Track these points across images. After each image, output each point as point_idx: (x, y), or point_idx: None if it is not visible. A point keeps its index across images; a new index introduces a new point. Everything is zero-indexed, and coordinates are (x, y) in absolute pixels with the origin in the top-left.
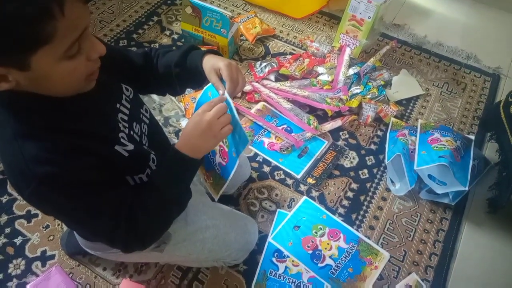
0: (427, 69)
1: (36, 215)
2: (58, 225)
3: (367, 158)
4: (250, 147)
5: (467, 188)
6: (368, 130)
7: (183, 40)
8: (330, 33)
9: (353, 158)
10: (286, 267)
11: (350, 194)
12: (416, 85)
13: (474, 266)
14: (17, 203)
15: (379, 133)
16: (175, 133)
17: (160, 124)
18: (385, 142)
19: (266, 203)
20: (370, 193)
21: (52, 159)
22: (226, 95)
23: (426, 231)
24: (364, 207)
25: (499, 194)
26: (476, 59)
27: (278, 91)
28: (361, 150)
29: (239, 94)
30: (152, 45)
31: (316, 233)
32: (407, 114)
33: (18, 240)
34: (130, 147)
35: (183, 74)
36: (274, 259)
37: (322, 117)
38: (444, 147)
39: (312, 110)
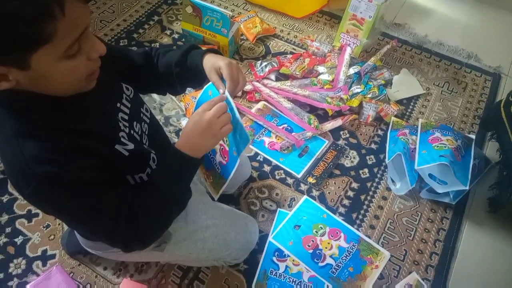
0: (428, 68)
1: (36, 215)
2: (59, 224)
3: (367, 157)
4: (251, 146)
5: (467, 188)
6: (369, 130)
7: (183, 40)
8: (330, 32)
9: (354, 158)
10: (286, 266)
11: (350, 193)
12: (416, 84)
13: (474, 266)
14: (18, 202)
15: (379, 132)
16: (175, 133)
17: (161, 123)
18: (385, 142)
19: (266, 203)
20: (370, 193)
21: (52, 159)
22: (227, 94)
23: (426, 230)
24: (364, 207)
25: (500, 194)
26: (477, 59)
27: (279, 90)
28: (361, 150)
29: (240, 94)
30: (152, 45)
31: (316, 232)
32: (407, 113)
33: (18, 240)
34: (131, 146)
35: (184, 74)
36: (274, 259)
37: (323, 116)
38: (445, 147)
39: (312, 110)
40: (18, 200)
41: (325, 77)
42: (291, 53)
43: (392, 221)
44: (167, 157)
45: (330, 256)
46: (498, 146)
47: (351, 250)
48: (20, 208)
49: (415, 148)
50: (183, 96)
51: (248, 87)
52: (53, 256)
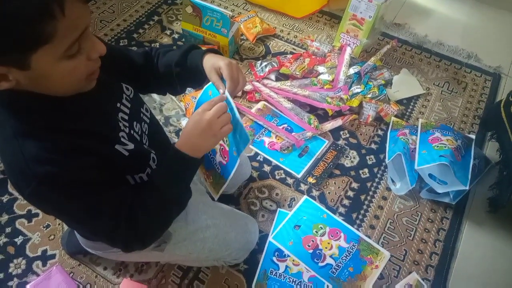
0: (428, 68)
1: (36, 215)
2: (59, 224)
3: (367, 157)
4: (251, 146)
5: (467, 188)
6: (369, 130)
7: (183, 40)
8: (330, 32)
9: (354, 158)
10: (286, 266)
11: (350, 193)
12: (416, 84)
13: (474, 266)
14: (18, 202)
15: (379, 132)
16: (175, 133)
17: (161, 123)
18: (385, 142)
19: (266, 203)
20: (370, 193)
21: (52, 159)
22: (227, 94)
23: (426, 230)
24: (364, 207)
25: (500, 194)
26: (477, 59)
27: (279, 90)
28: (361, 150)
29: (240, 94)
30: (152, 45)
31: (316, 232)
32: (407, 113)
33: (18, 240)
34: (131, 146)
35: (184, 74)
36: (274, 259)
37: (323, 116)
38: (445, 146)
39: (312, 110)
40: (18, 200)
41: (325, 77)
42: (291, 53)
43: (392, 221)
44: (167, 157)
45: (330, 256)
46: (498, 146)
47: (351, 250)
48: (20, 208)
49: (415, 148)
50: (183, 96)
51: (248, 87)
52: (53, 256)
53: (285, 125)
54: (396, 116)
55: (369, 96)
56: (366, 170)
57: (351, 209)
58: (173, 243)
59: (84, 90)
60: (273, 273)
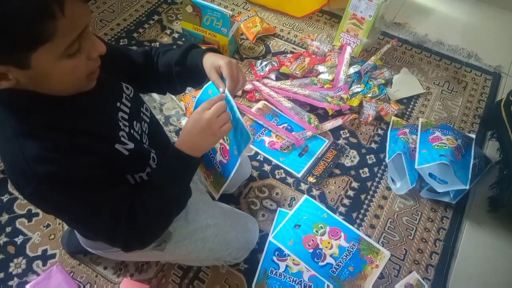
0: (428, 67)
1: (37, 214)
2: (59, 224)
3: (367, 157)
4: (251, 146)
5: (468, 187)
6: (369, 129)
7: (183, 39)
8: (330, 31)
9: (354, 157)
10: (286, 266)
11: (350, 193)
12: (416, 83)
13: (474, 265)
14: (18, 202)
15: (379, 131)
16: (175, 132)
17: (161, 123)
18: (385, 141)
19: (266, 202)
20: (371, 192)
21: (53, 158)
22: (227, 93)
23: (427, 229)
24: (364, 206)
25: (500, 193)
26: (477, 58)
27: (279, 90)
28: (361, 149)
29: (240, 93)
30: (152, 44)
31: (316, 232)
32: (407, 112)
33: (19, 239)
34: (131, 145)
35: (184, 73)
36: (274, 258)
37: (323, 116)
38: (445, 146)
39: (312, 109)
40: (18, 199)
41: (325, 76)
42: (291, 52)
43: (392, 220)
44: (167, 157)
45: (330, 256)
46: (498, 145)
47: (351, 250)
48: (20, 208)
49: (415, 147)
50: (183, 95)
51: (248, 86)
52: (53, 256)
53: (285, 125)
54: (396, 115)
55: (369, 95)
56: (366, 169)
57: (351, 209)
58: (173, 242)
59: (84, 89)
60: (273, 272)
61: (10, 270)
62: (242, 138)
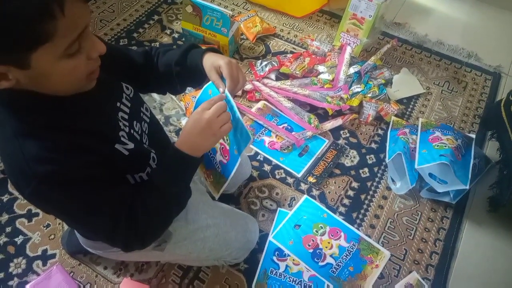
0: (428, 67)
1: (37, 214)
2: (59, 224)
3: (367, 157)
4: (251, 146)
5: (468, 187)
6: (369, 129)
7: (183, 39)
8: (330, 31)
9: (354, 157)
10: (286, 266)
11: (350, 192)
12: (416, 83)
13: (474, 265)
14: (18, 202)
15: (379, 132)
16: (175, 132)
17: (161, 123)
18: (385, 141)
19: (266, 202)
20: (371, 192)
21: (53, 158)
22: (227, 93)
23: (427, 229)
24: (364, 206)
25: (500, 193)
26: (477, 58)
27: (279, 90)
28: (361, 149)
29: (240, 93)
30: (152, 44)
31: (316, 232)
32: (407, 112)
33: (19, 239)
34: (131, 145)
35: (184, 73)
36: (274, 258)
37: (323, 116)
38: (445, 146)
39: (312, 109)
40: (18, 199)
41: (325, 76)
42: (291, 52)
43: (392, 220)
44: (167, 157)
45: (330, 256)
46: (498, 145)
47: (351, 250)
48: (20, 208)
49: (415, 147)
50: (183, 95)
51: (248, 86)
52: (53, 256)
53: (285, 125)
54: (396, 115)
55: (369, 95)
56: (366, 169)
57: (351, 209)
58: (174, 242)
59: (84, 89)
60: (273, 272)
61: (10, 270)
62: (242, 138)
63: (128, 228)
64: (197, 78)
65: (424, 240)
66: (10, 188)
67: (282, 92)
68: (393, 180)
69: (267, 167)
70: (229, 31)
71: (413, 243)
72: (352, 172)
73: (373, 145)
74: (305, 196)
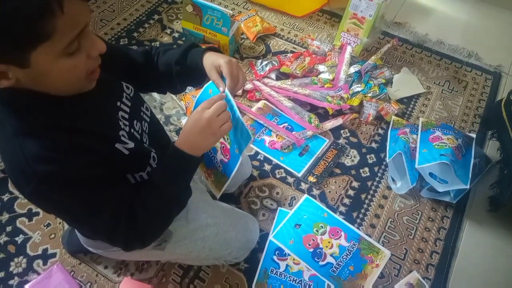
0: (428, 67)
1: (37, 214)
2: (60, 223)
3: (368, 156)
4: (251, 145)
5: (468, 186)
6: (369, 129)
7: (183, 39)
8: (331, 31)
9: (354, 157)
10: (287, 265)
11: (351, 192)
12: (417, 83)
13: (475, 265)
14: (18, 201)
15: (380, 131)
16: (176, 132)
17: (161, 122)
18: (386, 141)
19: (267, 202)
20: (371, 192)
21: (53, 157)
22: (227, 92)
23: (427, 229)
24: (365, 205)
25: (501, 192)
26: (477, 57)
27: (279, 89)
28: (362, 149)
29: (240, 93)
30: (152, 44)
31: (317, 231)
32: (408, 112)
33: (19, 239)
34: (131, 145)
35: (184, 72)
36: (275, 257)
37: (323, 115)
38: (446, 145)
39: (313, 109)
40: (19, 199)
41: (325, 76)
42: (292, 52)
43: (392, 220)
44: (167, 156)
45: (331, 255)
46: (499, 145)
47: (352, 249)
48: (21, 207)
49: (415, 147)
50: (183, 95)
51: (248, 86)
52: (53, 255)
53: (286, 124)
54: (396, 115)
55: (369, 95)
56: (366, 169)
57: (351, 208)
58: (174, 241)
59: (84, 90)
60: (274, 272)
61: (11, 269)
62: (243, 137)
63: (128, 228)
64: (197, 77)
65: (424, 240)
66: (11, 187)
67: (283, 92)
68: (393, 180)
69: (267, 167)
70: (229, 31)
71: (413, 242)
72: (353, 172)
73: (374, 145)
74: (306, 195)
